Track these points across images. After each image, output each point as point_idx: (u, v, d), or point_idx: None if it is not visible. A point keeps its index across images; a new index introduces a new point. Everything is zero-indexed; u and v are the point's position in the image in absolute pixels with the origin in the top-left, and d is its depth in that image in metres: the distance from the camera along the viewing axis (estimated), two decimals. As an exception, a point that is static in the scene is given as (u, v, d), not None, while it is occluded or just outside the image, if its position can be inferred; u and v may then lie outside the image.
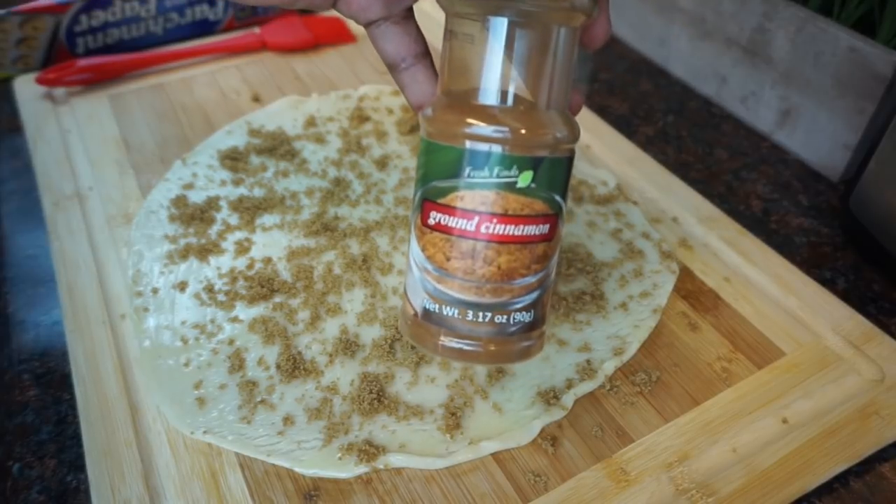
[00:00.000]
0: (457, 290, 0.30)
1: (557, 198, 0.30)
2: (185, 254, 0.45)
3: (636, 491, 0.34)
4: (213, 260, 0.45)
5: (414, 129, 0.55)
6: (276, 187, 0.50)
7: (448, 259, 0.30)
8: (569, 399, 0.38)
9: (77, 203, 0.49)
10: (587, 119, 0.57)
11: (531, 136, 0.29)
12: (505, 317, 0.30)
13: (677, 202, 0.50)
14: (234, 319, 0.41)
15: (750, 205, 0.53)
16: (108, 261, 0.45)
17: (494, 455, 0.36)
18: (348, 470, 0.34)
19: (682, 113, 0.62)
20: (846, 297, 0.45)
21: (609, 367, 0.39)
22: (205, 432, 0.36)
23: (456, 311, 0.30)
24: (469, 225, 0.29)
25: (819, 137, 0.55)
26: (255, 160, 0.53)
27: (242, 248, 0.46)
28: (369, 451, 0.35)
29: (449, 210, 0.29)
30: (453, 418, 0.36)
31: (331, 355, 0.39)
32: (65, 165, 0.52)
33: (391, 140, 0.55)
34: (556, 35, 0.29)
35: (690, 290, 0.44)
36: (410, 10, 0.32)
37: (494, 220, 0.29)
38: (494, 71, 0.29)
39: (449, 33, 0.30)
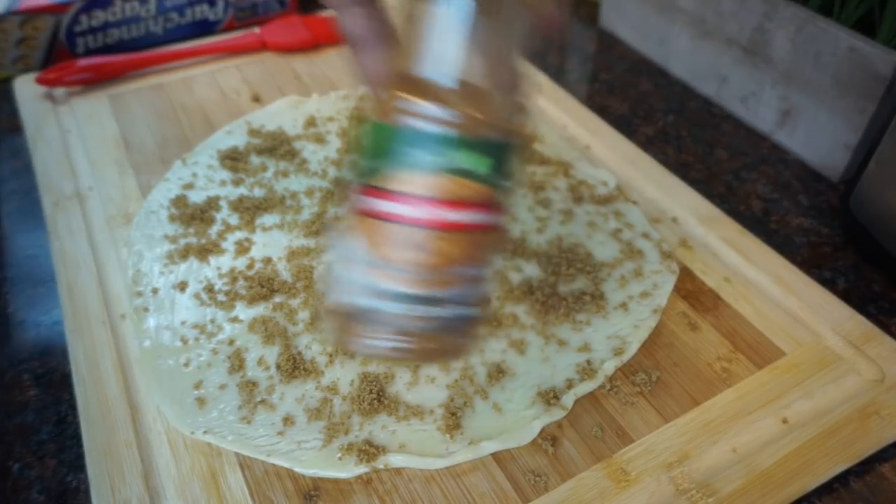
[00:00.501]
0: (390, 281, 0.27)
1: (503, 183, 0.28)
2: (185, 254, 0.45)
3: (636, 491, 0.34)
4: (213, 260, 0.45)
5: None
6: (276, 187, 0.50)
7: (381, 246, 0.27)
8: (569, 399, 0.38)
9: (77, 203, 0.49)
10: (587, 119, 0.57)
11: (475, 119, 0.27)
12: (441, 310, 0.28)
13: (677, 202, 0.50)
14: (234, 319, 0.41)
15: (750, 205, 0.53)
16: (108, 261, 0.45)
17: (494, 455, 0.36)
18: (348, 470, 0.34)
19: (683, 113, 0.62)
20: (846, 297, 0.45)
21: (609, 367, 0.39)
22: (205, 432, 0.36)
23: (388, 305, 0.28)
24: (406, 210, 0.27)
25: (819, 137, 0.55)
26: (255, 160, 0.53)
27: (242, 248, 0.46)
28: (369, 451, 0.35)
29: (384, 193, 0.27)
30: (453, 418, 0.36)
31: (331, 355, 0.39)
32: (65, 165, 0.52)
33: (391, 140, 0.55)
34: (498, 14, 0.27)
35: (690, 290, 0.44)
36: None
37: (433, 205, 0.27)
38: (439, 50, 0.27)
39: (403, 13, 0.28)
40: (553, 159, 0.53)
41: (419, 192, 0.27)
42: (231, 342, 0.40)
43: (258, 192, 0.50)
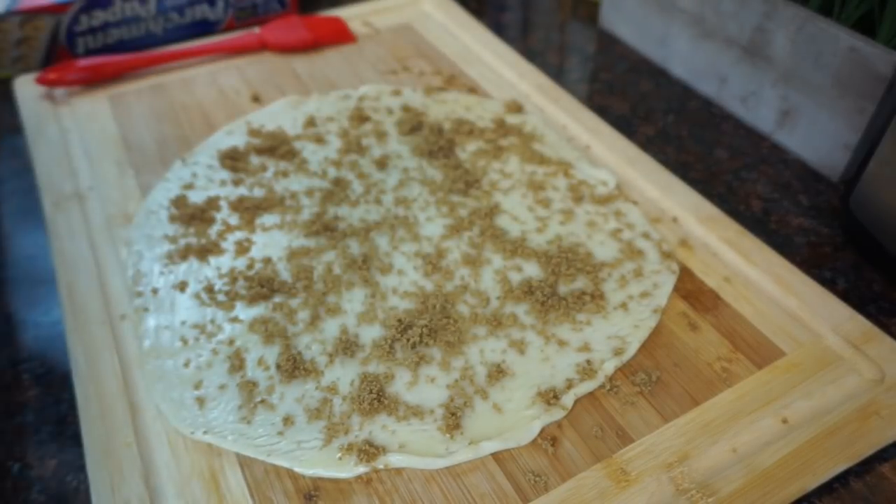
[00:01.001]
0: None
1: None
2: (184, 254, 0.45)
3: (636, 491, 0.34)
4: (212, 260, 0.45)
5: (414, 129, 0.55)
6: (276, 187, 0.50)
7: None
8: (569, 399, 0.38)
9: (77, 203, 0.49)
10: (587, 119, 0.57)
11: None
12: None
13: (677, 202, 0.50)
14: (234, 319, 0.41)
15: (750, 205, 0.53)
16: (107, 261, 0.45)
17: (494, 455, 0.36)
18: (348, 470, 0.34)
19: (682, 113, 0.62)
20: (846, 297, 0.45)
21: (609, 367, 0.39)
22: (205, 432, 0.36)
23: None
24: None
25: (819, 137, 0.55)
26: (255, 160, 0.53)
27: (242, 248, 0.46)
28: (369, 451, 0.35)
29: None
30: (453, 418, 0.36)
31: (331, 355, 0.39)
32: (65, 165, 0.52)
33: (391, 140, 0.55)
34: None
35: (690, 290, 0.44)
36: None
37: None
38: None
39: None
40: (553, 159, 0.53)
41: None
42: (231, 342, 0.40)
43: (258, 192, 0.50)
